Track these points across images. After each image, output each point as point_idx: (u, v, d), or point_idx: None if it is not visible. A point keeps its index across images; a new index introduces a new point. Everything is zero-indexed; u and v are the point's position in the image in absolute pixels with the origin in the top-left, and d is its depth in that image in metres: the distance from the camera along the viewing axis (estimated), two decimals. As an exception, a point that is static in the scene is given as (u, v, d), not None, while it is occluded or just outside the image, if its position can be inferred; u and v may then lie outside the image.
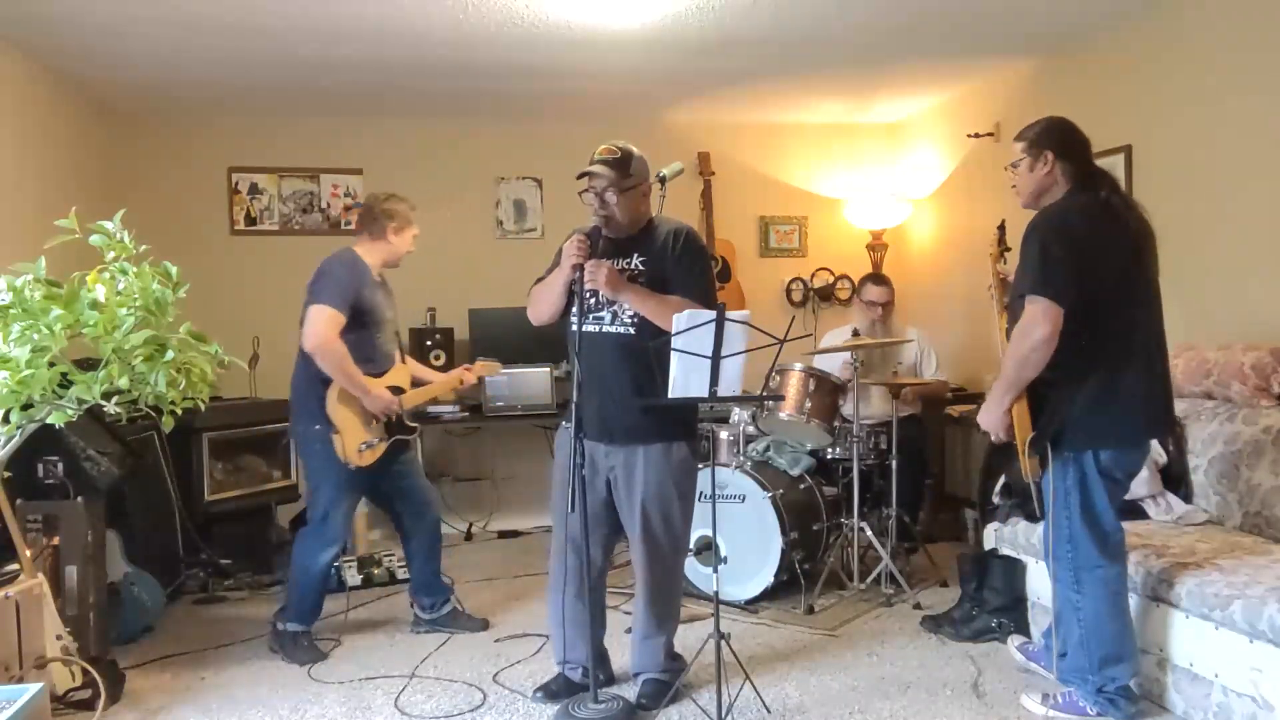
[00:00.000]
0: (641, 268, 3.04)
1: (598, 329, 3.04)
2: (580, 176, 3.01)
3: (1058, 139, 2.92)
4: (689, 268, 3.04)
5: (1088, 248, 2.77)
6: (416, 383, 3.91)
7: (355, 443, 3.61)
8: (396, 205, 3.77)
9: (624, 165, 2.98)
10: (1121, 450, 2.87)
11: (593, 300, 3.03)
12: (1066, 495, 2.88)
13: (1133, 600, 3.08)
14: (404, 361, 3.90)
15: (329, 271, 3.63)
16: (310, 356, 3.56)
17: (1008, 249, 3.24)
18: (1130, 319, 2.83)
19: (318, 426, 3.59)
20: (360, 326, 3.63)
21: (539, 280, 3.20)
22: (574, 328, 3.00)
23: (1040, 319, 2.72)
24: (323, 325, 3.51)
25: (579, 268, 2.94)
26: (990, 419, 2.94)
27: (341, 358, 3.53)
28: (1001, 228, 3.30)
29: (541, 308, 3.16)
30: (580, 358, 2.96)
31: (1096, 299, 2.76)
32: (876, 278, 5.16)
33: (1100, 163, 4.37)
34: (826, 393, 4.30)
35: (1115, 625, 2.90)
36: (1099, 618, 2.89)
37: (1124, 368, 2.81)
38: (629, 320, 3.01)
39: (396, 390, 3.74)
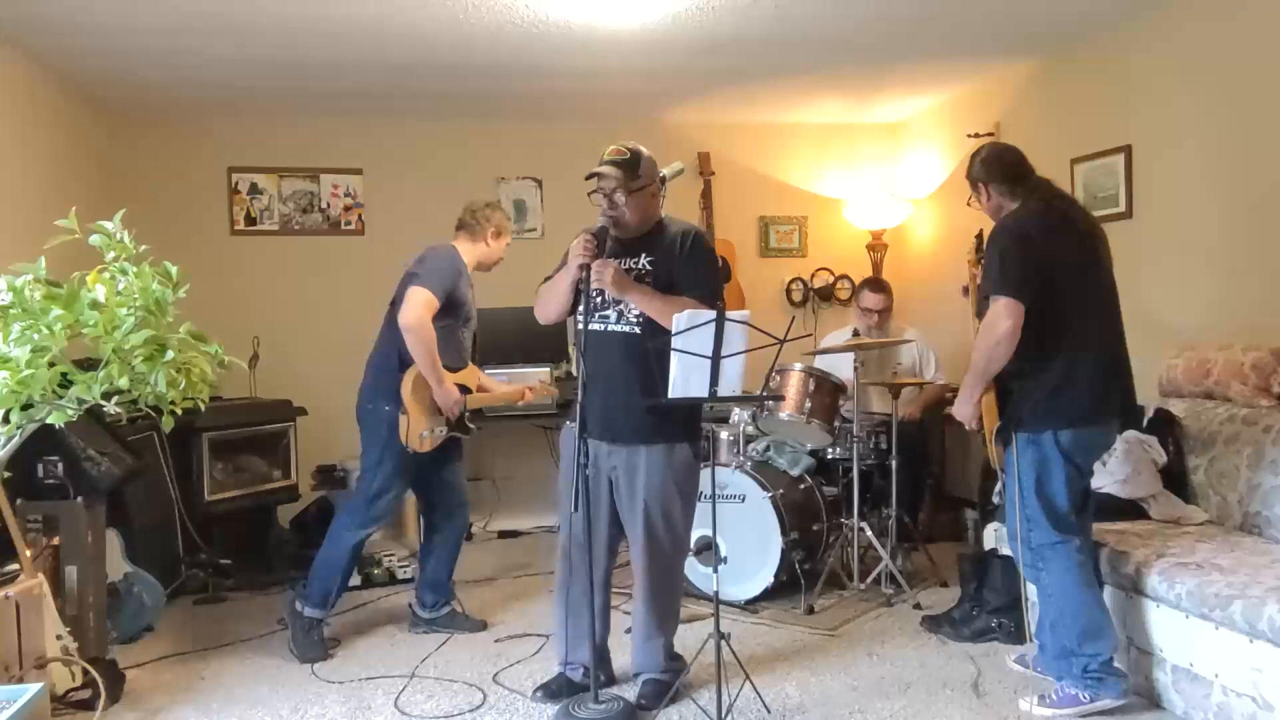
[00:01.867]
0: (649, 267, 3.04)
1: (603, 328, 3.05)
2: (589, 177, 3.01)
3: (987, 170, 3.18)
4: (696, 268, 3.04)
5: (1044, 249, 2.96)
6: (481, 389, 3.99)
7: (419, 429, 3.67)
8: (496, 213, 3.93)
9: (633, 166, 2.97)
10: (1080, 429, 2.99)
11: (599, 299, 3.03)
12: (1023, 475, 3.02)
13: (1133, 601, 3.09)
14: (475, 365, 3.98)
15: (433, 258, 3.72)
16: (398, 336, 3.63)
17: (984, 257, 3.41)
18: (1085, 310, 3.00)
19: (388, 407, 3.65)
20: (449, 318, 3.72)
21: (546, 279, 3.20)
22: (580, 326, 3.00)
23: (1004, 314, 2.91)
24: (421, 306, 3.59)
25: (585, 267, 2.94)
26: (963, 410, 3.15)
27: (430, 340, 3.61)
28: (980, 237, 3.50)
29: (548, 307, 3.17)
30: (585, 356, 2.97)
31: (1054, 294, 2.94)
32: (874, 284, 5.14)
33: (1100, 162, 4.47)
34: (827, 393, 4.30)
35: (1083, 596, 2.98)
36: (1065, 590, 2.98)
37: (1081, 355, 2.98)
38: (635, 319, 3.01)
39: (464, 389, 3.81)
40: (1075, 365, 2.96)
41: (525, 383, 4.15)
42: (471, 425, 3.92)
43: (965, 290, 3.49)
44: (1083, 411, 2.98)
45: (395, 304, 3.70)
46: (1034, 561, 3.06)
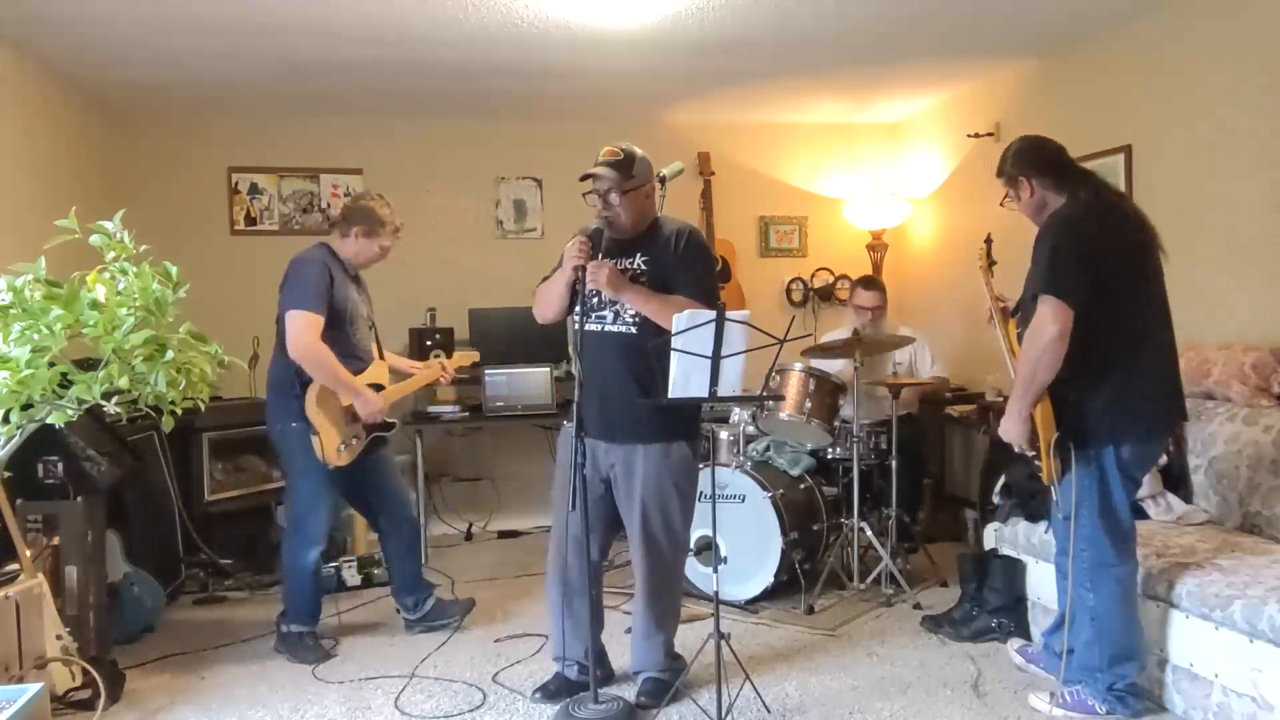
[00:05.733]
0: (644, 267, 3.05)
1: (600, 328, 3.06)
2: (583, 178, 3.02)
3: (1027, 161, 2.97)
4: (691, 268, 3.04)
5: (1099, 247, 2.80)
6: (396, 375, 3.90)
7: (334, 443, 3.59)
8: (370, 207, 3.68)
9: (627, 166, 2.99)
10: (1141, 444, 2.89)
11: (595, 299, 3.05)
12: (1087, 493, 2.87)
13: (1133, 600, 3.09)
14: (381, 357, 3.87)
15: (299, 273, 3.57)
16: (289, 356, 3.51)
17: (994, 262, 3.31)
18: (1144, 314, 2.87)
19: (294, 424, 3.56)
20: (336, 325, 3.59)
21: (544, 279, 3.21)
22: (576, 327, 3.02)
23: (1050, 319, 2.73)
24: (303, 330, 3.45)
25: (581, 268, 2.95)
26: (1012, 429, 2.88)
27: (331, 364, 3.50)
28: (989, 241, 3.36)
29: (545, 307, 3.19)
30: (582, 357, 2.98)
31: (1111, 297, 2.78)
32: (867, 282, 5.13)
33: (1100, 162, 4.47)
34: (827, 393, 4.30)
35: (1126, 622, 2.90)
36: (1110, 616, 2.90)
37: (1141, 363, 2.85)
38: (630, 319, 3.02)
39: (377, 387, 3.73)
40: (1136, 373, 2.83)
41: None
42: (391, 421, 3.80)
43: (990, 317, 3.23)
44: (1148, 426, 2.87)
45: (279, 321, 3.54)
46: (1084, 581, 2.91)
